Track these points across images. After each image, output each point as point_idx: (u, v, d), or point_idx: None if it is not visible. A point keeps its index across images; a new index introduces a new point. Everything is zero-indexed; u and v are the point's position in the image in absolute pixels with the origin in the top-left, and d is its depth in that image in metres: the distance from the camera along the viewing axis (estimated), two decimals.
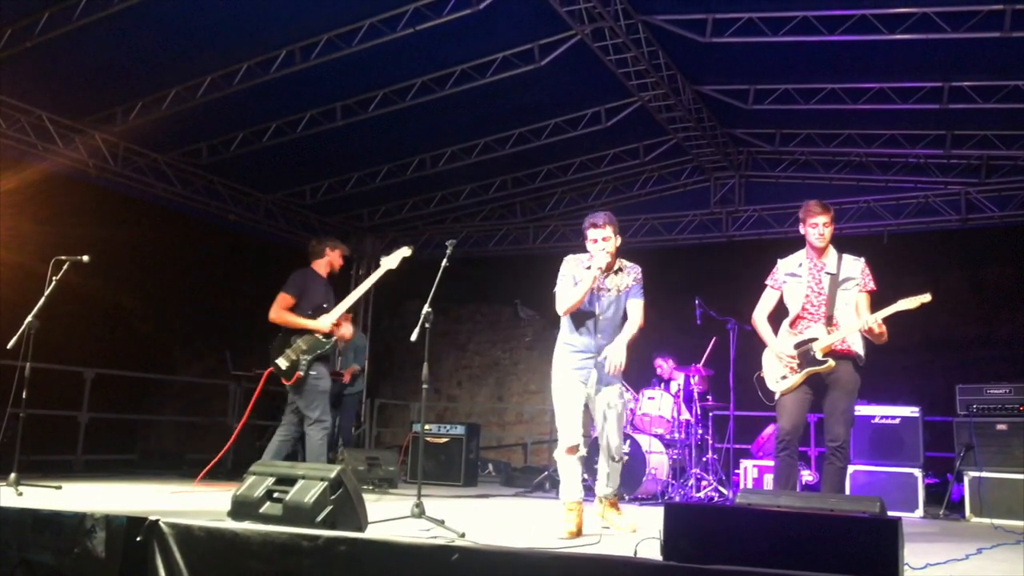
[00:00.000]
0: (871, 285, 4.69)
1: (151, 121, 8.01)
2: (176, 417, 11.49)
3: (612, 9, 6.76)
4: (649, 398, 7.79)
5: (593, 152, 9.62)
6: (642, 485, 7.06)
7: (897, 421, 7.09)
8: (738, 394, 7.00)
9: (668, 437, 7.56)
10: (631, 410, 7.68)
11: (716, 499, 7.01)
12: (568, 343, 4.65)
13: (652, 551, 3.19)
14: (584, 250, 4.64)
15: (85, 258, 5.45)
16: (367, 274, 10.79)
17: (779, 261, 4.88)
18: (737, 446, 7.95)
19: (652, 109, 8.19)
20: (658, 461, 7.25)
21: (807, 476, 7.38)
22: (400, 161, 9.64)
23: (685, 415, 7.55)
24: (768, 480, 7.33)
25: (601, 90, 8.25)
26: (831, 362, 4.53)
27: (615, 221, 4.62)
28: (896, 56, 7.07)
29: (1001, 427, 6.78)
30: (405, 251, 5.43)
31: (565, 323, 4.68)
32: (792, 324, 4.73)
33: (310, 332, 5.51)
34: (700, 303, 7.26)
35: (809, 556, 2.73)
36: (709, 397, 7.77)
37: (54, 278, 5.42)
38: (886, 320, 4.47)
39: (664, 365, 8.01)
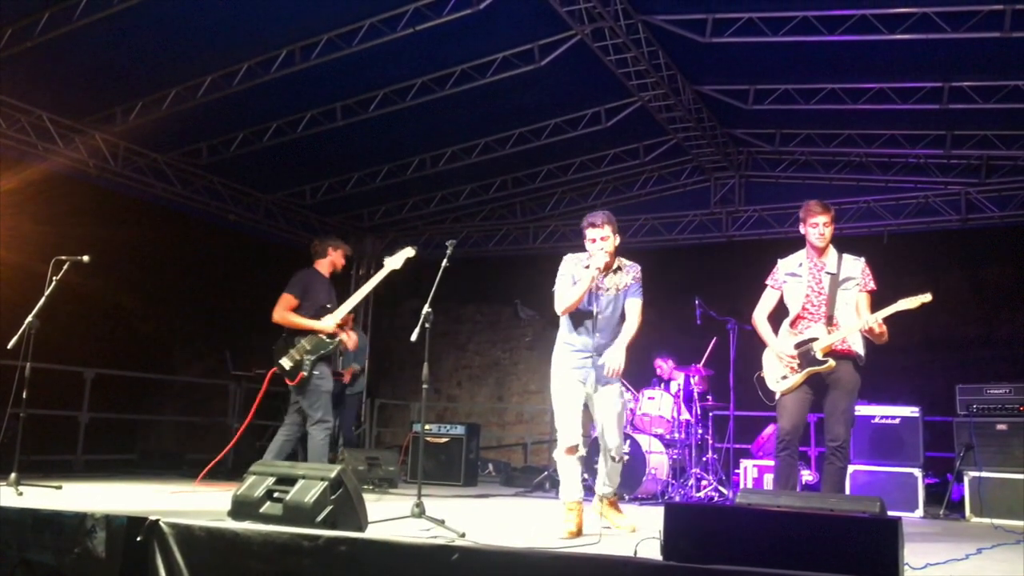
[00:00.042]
0: (871, 285, 4.69)
1: (151, 121, 8.00)
2: (176, 417, 11.50)
3: (612, 9, 6.76)
4: (649, 398, 7.79)
5: (593, 152, 9.61)
6: (642, 485, 7.06)
7: (897, 421, 7.09)
8: (738, 394, 7.01)
9: (668, 437, 7.56)
10: (631, 410, 7.68)
11: (716, 499, 7.01)
12: (567, 342, 4.65)
13: (652, 551, 3.19)
14: (583, 249, 4.65)
15: (85, 258, 5.45)
16: (367, 274, 10.87)
17: (779, 261, 4.88)
18: (737, 446, 7.95)
19: (652, 109, 8.18)
20: (658, 461, 7.25)
21: (807, 476, 7.38)
22: (400, 161, 9.63)
23: (685, 415, 7.55)
24: (768, 480, 7.33)
25: (601, 90, 8.24)
26: (831, 362, 4.53)
27: (614, 220, 4.62)
28: (896, 56, 7.06)
29: (1001, 427, 6.79)
30: (409, 251, 5.41)
31: (564, 322, 4.69)
32: (792, 324, 4.74)
33: (313, 332, 5.51)
34: (700, 303, 7.26)
35: (809, 556, 2.74)
36: (709, 397, 7.77)
37: (54, 278, 5.42)
38: (886, 320, 4.48)
39: (664, 365, 8.01)
